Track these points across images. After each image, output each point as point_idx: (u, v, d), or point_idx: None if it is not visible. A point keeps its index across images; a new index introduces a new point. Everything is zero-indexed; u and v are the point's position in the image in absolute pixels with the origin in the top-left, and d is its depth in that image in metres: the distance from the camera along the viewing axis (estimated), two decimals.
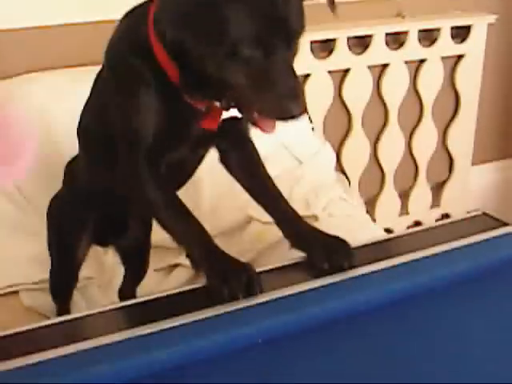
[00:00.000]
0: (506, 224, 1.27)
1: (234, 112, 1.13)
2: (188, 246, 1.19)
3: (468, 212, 1.37)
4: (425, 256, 1.16)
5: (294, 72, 1.03)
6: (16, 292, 1.79)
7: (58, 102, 1.99)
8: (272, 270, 1.16)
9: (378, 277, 1.11)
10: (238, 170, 1.29)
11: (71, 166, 1.51)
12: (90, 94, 1.33)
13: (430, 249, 1.18)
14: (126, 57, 1.14)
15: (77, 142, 1.41)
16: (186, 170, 1.32)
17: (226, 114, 1.16)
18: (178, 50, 1.06)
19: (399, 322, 1.04)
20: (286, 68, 1.02)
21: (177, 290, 1.12)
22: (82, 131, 1.38)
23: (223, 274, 1.05)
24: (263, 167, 1.28)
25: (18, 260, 1.82)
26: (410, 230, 1.34)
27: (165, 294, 1.10)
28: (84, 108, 1.37)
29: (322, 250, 1.14)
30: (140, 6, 1.16)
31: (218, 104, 1.13)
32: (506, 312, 1.08)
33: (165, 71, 1.10)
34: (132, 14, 1.18)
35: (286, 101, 1.00)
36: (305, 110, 1.02)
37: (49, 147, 1.95)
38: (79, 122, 1.39)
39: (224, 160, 1.30)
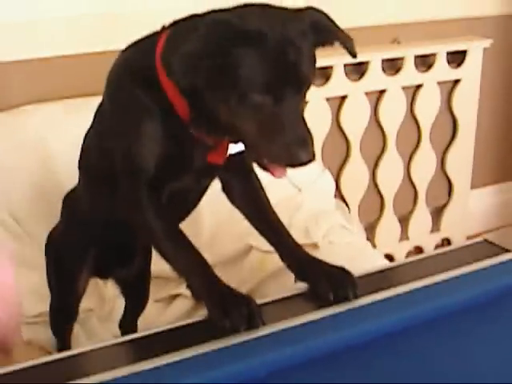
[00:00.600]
0: (507, 251, 1.27)
1: (240, 147, 1.13)
2: (188, 277, 1.18)
3: (468, 237, 1.38)
4: (427, 284, 1.16)
5: (303, 118, 1.04)
6: None
7: (56, 133, 1.99)
8: (274, 301, 1.15)
9: (383, 307, 1.10)
10: (240, 200, 1.28)
11: (70, 199, 1.50)
12: (92, 124, 1.33)
13: (432, 277, 1.18)
14: (129, 86, 1.14)
15: (75, 172, 1.41)
16: (189, 200, 1.31)
17: (232, 150, 1.16)
18: (190, 91, 1.06)
19: (404, 351, 1.03)
20: (295, 114, 1.03)
21: (178, 324, 1.10)
22: (84, 161, 1.38)
23: (224, 307, 1.04)
24: (266, 198, 1.27)
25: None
26: (412, 259, 1.34)
27: (166, 327, 1.09)
28: (85, 138, 1.37)
29: (326, 281, 1.13)
30: (146, 37, 1.17)
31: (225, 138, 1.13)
32: (510, 339, 1.08)
33: (170, 103, 1.10)
34: (137, 46, 1.18)
35: (295, 148, 1.00)
36: (314, 156, 1.02)
37: (47, 178, 1.95)
38: (80, 153, 1.39)
39: (227, 190, 1.29)
